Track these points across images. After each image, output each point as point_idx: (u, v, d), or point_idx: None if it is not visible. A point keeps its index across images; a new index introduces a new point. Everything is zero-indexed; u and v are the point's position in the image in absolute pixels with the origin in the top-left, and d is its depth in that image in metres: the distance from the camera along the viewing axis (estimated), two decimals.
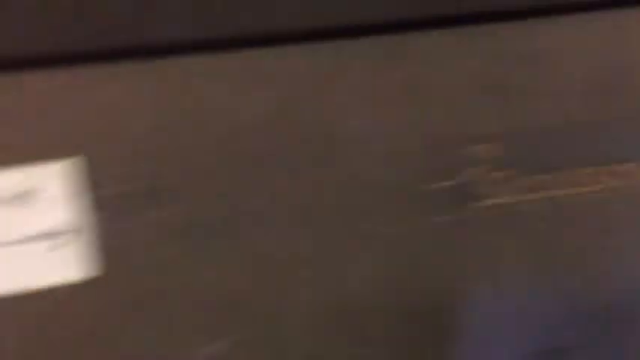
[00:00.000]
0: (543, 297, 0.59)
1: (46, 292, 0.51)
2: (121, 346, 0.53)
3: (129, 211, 0.50)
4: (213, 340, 0.54)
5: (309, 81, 0.47)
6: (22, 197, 0.50)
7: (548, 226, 0.54)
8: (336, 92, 0.48)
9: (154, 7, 0.45)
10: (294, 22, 0.45)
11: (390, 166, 0.51)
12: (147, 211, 0.50)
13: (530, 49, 0.48)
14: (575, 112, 0.50)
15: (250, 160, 0.50)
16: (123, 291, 0.52)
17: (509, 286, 0.57)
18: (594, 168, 0.53)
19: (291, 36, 0.46)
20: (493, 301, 0.58)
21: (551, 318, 0.60)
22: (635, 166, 0.53)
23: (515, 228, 0.54)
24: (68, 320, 0.52)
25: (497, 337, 0.60)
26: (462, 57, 0.47)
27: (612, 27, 0.49)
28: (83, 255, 0.51)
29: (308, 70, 0.47)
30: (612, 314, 0.61)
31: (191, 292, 0.53)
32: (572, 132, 0.51)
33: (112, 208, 0.50)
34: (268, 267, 0.53)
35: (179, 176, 0.50)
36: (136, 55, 0.46)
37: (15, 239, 0.50)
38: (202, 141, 0.49)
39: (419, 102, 0.49)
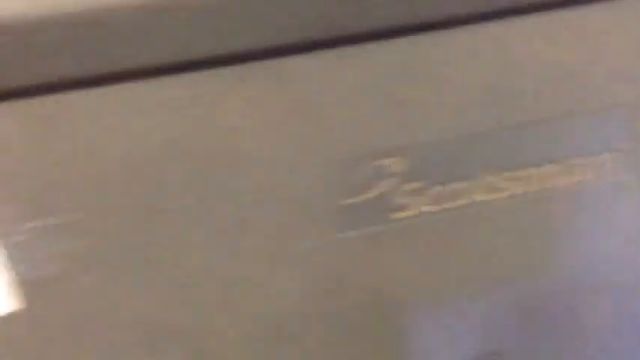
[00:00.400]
0: (476, 301, 0.59)
1: None
2: None
3: (43, 244, 0.50)
4: None
5: (206, 107, 0.48)
6: None
7: (467, 233, 0.55)
8: (233, 116, 0.49)
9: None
10: (182, 53, 0.46)
11: (299, 184, 0.51)
12: (60, 243, 0.50)
13: (424, 62, 0.49)
14: (478, 121, 0.51)
15: (156, 187, 0.50)
16: (46, 323, 0.52)
17: (440, 293, 0.58)
18: (505, 174, 0.53)
19: (180, 65, 0.47)
20: (427, 308, 0.58)
21: (485, 322, 0.60)
22: (537, 170, 0.54)
23: (433, 237, 0.55)
24: None
25: (433, 342, 0.60)
26: (359, 74, 0.48)
27: (505, 37, 0.49)
28: (3, 290, 0.51)
29: (205, 96, 0.48)
30: (546, 316, 0.61)
31: (117, 319, 0.53)
32: (480, 141, 0.52)
33: (26, 242, 0.50)
34: (191, 290, 0.54)
35: (87, 208, 0.50)
36: (33, 92, 0.47)
37: None
38: (105, 172, 0.49)
39: (319, 121, 0.50)
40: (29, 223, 0.50)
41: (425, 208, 0.53)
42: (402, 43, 0.47)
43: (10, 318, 0.52)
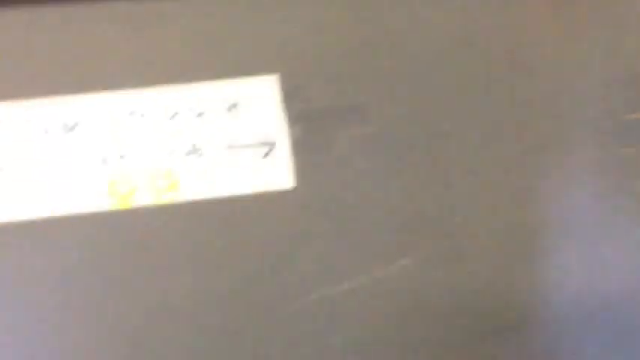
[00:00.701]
0: None
1: (255, 198, 0.57)
2: (319, 253, 0.58)
3: (329, 126, 0.55)
4: (405, 255, 0.58)
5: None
6: (234, 108, 0.56)
7: None
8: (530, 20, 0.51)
9: None
10: None
11: (585, 96, 0.53)
12: (346, 127, 0.54)
13: None
14: None
15: (443, 82, 0.53)
16: (321, 202, 0.57)
17: None
18: None
19: None
20: None
21: None
22: None
23: None
24: (270, 224, 0.58)
25: None
26: None
27: None
28: (289, 165, 0.56)
29: None
30: None
31: (385, 209, 0.57)
32: None
33: (314, 122, 0.55)
34: (455, 190, 0.57)
35: (376, 96, 0.54)
36: None
37: (231, 146, 0.56)
38: (399, 63, 0.53)
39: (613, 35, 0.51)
40: (322, 102, 0.55)
41: None
42: None
43: (283, 194, 0.57)
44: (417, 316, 0.59)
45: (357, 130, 0.54)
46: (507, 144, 0.55)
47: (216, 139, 0.56)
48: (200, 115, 0.55)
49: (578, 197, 0.57)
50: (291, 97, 0.55)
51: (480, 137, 0.55)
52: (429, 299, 0.59)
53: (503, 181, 0.56)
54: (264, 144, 0.55)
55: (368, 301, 0.58)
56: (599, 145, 0.54)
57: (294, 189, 0.56)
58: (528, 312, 0.59)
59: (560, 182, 0.56)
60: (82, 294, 0.57)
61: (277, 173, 0.56)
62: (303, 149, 0.56)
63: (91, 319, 0.57)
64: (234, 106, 0.55)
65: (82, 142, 0.56)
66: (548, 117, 0.55)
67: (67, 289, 0.57)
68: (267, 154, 0.55)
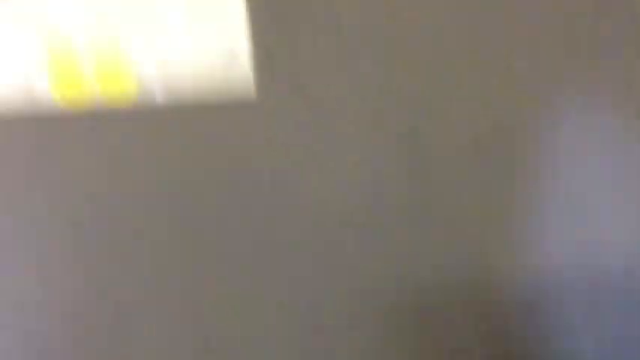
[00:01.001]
0: None
1: (216, 107, 0.55)
2: (277, 163, 0.56)
3: (295, 35, 0.52)
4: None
5: None
6: (198, 14, 0.53)
7: None
8: None
9: None
10: None
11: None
12: (313, 35, 0.52)
13: None
14: None
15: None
16: (283, 112, 0.55)
17: None
18: None
19: None
20: None
21: None
22: None
23: None
24: (231, 134, 0.56)
25: None
26: None
27: None
28: (251, 75, 0.54)
29: None
30: None
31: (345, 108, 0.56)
32: None
33: (279, 31, 0.52)
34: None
35: (346, 5, 0.51)
36: None
37: (193, 53, 0.54)
38: None
39: None
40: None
41: None
42: None
43: (243, 106, 0.55)
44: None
45: (323, 40, 0.50)
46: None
47: (180, 46, 0.52)
48: (164, 20, 0.51)
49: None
50: (256, 5, 0.51)
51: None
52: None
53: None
54: (227, 53, 0.52)
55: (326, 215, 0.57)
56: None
57: (255, 98, 0.53)
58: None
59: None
60: (31, 206, 0.55)
61: (239, 82, 0.53)
62: (267, 59, 0.52)
63: (37, 232, 0.55)
64: (198, 12, 0.51)
65: (21, 15, 0.52)
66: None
67: (15, 198, 0.55)
68: (229, 63, 0.52)
